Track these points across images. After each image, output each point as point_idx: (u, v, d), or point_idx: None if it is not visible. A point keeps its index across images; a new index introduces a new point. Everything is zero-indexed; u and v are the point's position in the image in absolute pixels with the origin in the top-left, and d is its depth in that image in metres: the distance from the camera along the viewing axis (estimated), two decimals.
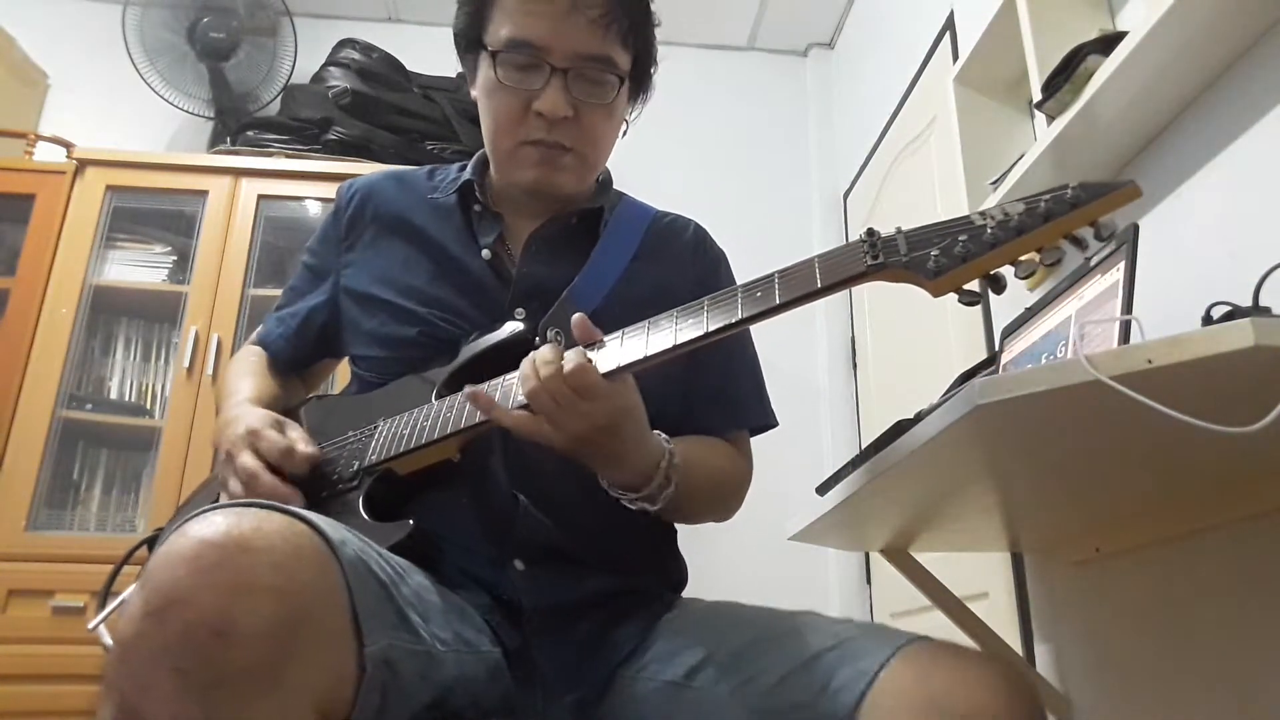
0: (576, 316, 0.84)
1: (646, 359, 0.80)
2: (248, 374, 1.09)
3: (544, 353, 0.80)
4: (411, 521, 0.84)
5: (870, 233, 0.75)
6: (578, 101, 0.97)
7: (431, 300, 0.99)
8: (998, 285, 0.72)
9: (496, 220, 1.04)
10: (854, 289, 3.05)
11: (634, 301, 0.88)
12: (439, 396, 0.91)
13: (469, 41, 1.02)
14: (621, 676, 0.87)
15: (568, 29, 0.94)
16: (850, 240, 0.77)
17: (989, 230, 0.71)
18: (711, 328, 0.78)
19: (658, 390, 0.99)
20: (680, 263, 1.08)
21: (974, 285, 0.73)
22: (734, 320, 0.77)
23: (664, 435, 0.89)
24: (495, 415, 0.82)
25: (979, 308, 1.98)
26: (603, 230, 1.05)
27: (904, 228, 0.75)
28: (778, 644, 0.78)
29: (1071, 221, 0.69)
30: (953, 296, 0.73)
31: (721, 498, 1.03)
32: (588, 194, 1.10)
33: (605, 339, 0.84)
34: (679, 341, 0.79)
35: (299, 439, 0.91)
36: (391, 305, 1.00)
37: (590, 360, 0.79)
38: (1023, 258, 0.71)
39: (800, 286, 0.76)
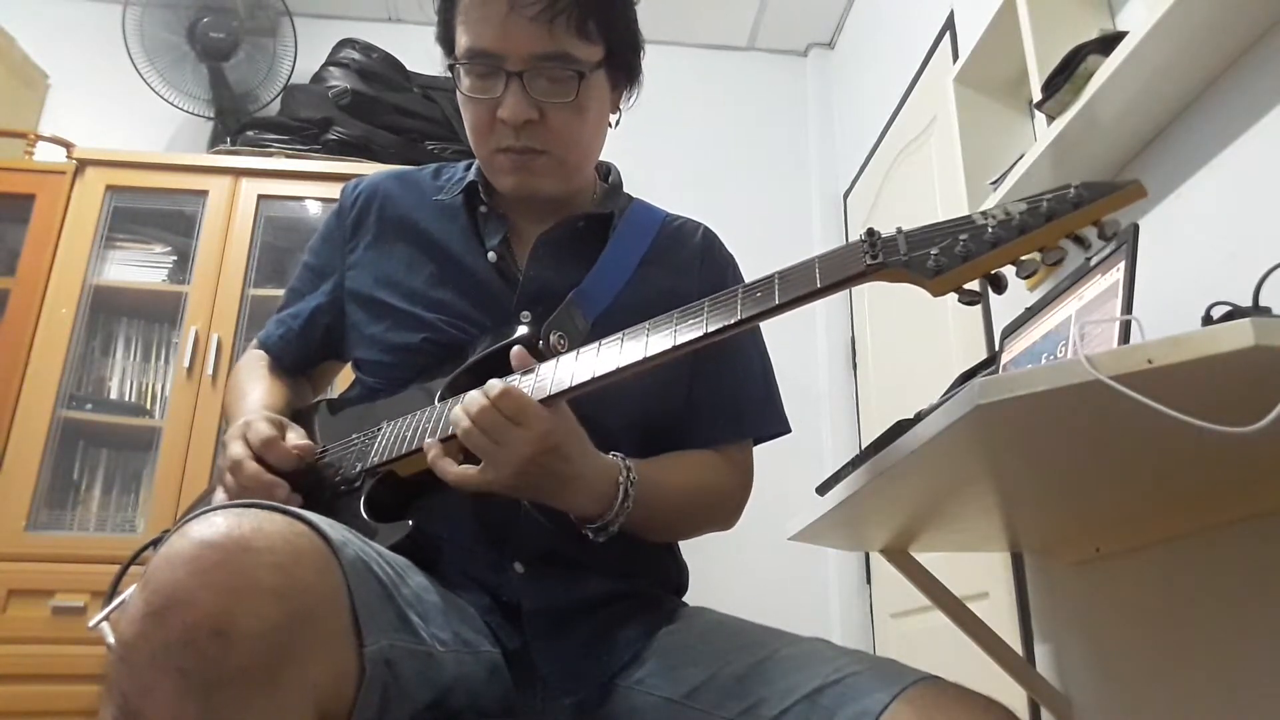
0: (515, 349, 0.85)
1: (624, 369, 0.80)
2: (255, 379, 1.08)
3: (473, 394, 0.81)
4: (411, 522, 0.84)
5: (870, 232, 0.75)
6: (542, 103, 0.95)
7: (435, 304, 0.98)
8: (998, 285, 0.72)
9: (502, 222, 1.03)
10: (854, 289, 3.04)
11: (641, 305, 0.88)
12: (441, 399, 0.91)
13: (445, 51, 1.01)
14: (620, 686, 0.87)
15: (512, 31, 0.92)
16: (850, 240, 0.77)
17: (990, 230, 0.70)
18: (711, 329, 0.78)
19: (660, 398, 1.00)
20: (689, 267, 1.07)
21: (975, 285, 0.73)
22: (733, 321, 0.77)
23: (619, 454, 0.89)
24: (440, 468, 0.83)
25: (979, 308, 1.98)
26: (611, 234, 1.04)
27: (904, 228, 0.75)
28: (782, 672, 0.77)
29: (1074, 221, 0.69)
30: (953, 296, 0.73)
31: (702, 512, 1.01)
32: (594, 196, 1.09)
33: (604, 341, 0.83)
34: (679, 343, 0.78)
35: (293, 437, 0.91)
36: (396, 310, 1.00)
37: (513, 385, 0.80)
38: (1024, 257, 0.71)
39: (800, 286, 0.75)
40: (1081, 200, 0.69)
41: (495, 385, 0.80)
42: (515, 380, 0.84)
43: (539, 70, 0.94)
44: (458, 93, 0.99)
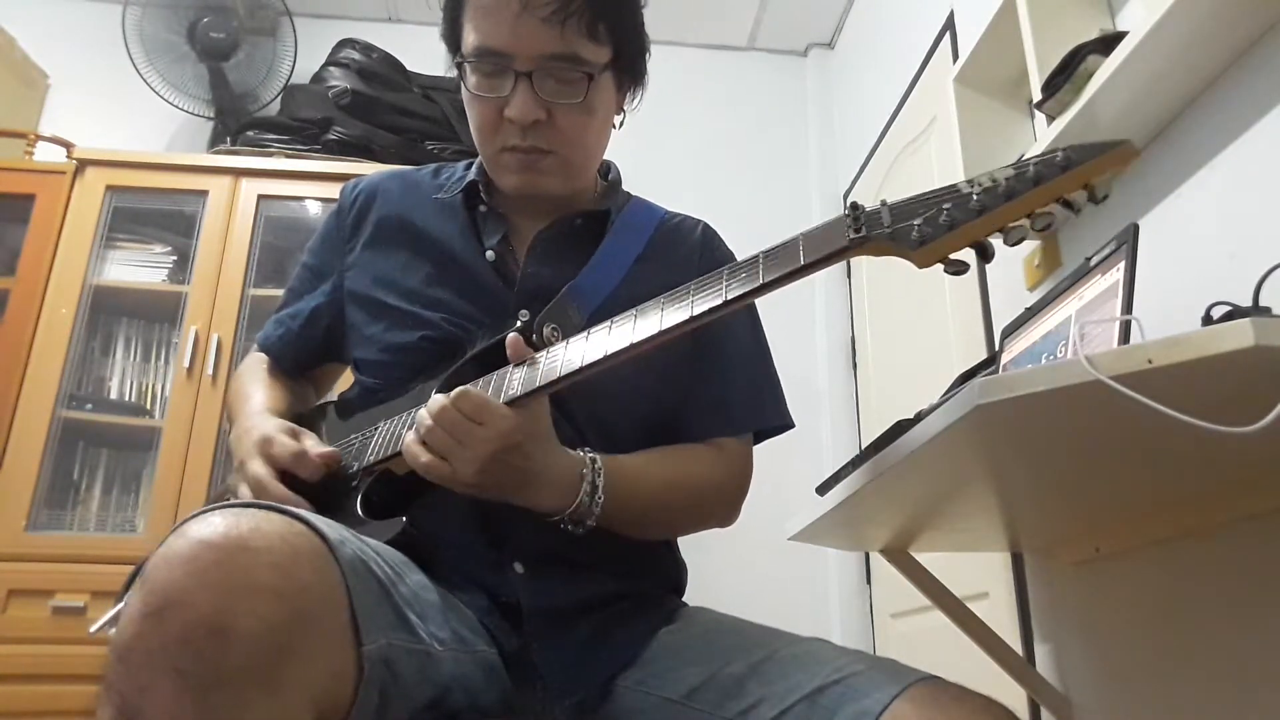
0: (511, 336, 0.85)
1: (614, 354, 0.79)
2: (257, 381, 1.08)
3: (436, 396, 0.81)
4: (404, 519, 0.84)
5: (854, 206, 0.74)
6: (549, 103, 0.95)
7: (434, 303, 0.98)
8: (985, 254, 0.70)
9: (502, 221, 1.03)
10: (854, 288, 3.01)
11: (636, 301, 0.88)
12: None
13: (451, 48, 1.01)
14: (620, 686, 0.87)
15: (524, 31, 0.92)
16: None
17: (975, 197, 0.68)
18: (698, 310, 0.76)
19: (661, 394, 0.99)
20: (687, 262, 1.07)
21: (963, 255, 0.71)
22: (720, 302, 0.76)
23: (587, 448, 0.89)
24: (411, 454, 0.83)
25: (980, 308, 1.98)
26: (608, 231, 1.04)
27: (889, 199, 0.73)
28: (782, 673, 0.77)
29: (1062, 184, 0.67)
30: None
31: (690, 506, 1.00)
32: (594, 194, 1.09)
33: (592, 330, 0.83)
34: (664, 327, 0.77)
35: (313, 445, 0.91)
36: (394, 309, 0.99)
37: (471, 387, 0.81)
38: (1012, 224, 0.69)
39: (785, 264, 0.74)
40: (1070, 163, 0.66)
41: (459, 389, 0.81)
42: (511, 370, 0.84)
43: (548, 71, 0.94)
44: (463, 90, 0.99)
